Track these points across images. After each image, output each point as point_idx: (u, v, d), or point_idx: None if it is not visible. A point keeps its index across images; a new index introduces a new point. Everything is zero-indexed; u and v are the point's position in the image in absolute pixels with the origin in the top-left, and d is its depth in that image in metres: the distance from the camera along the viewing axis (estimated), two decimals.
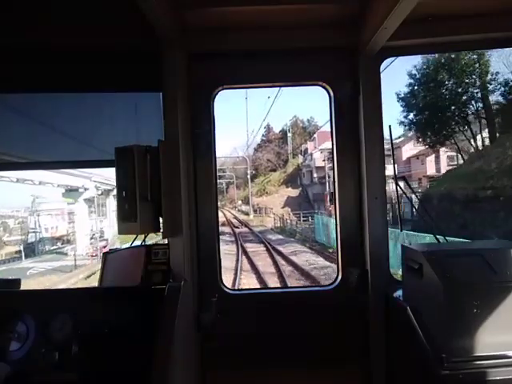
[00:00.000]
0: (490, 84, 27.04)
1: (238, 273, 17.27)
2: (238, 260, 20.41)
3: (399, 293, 2.47)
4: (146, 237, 2.85)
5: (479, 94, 27.52)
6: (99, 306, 2.23)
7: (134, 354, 2.04)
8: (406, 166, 46.09)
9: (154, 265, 2.53)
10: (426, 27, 2.46)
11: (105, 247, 29.85)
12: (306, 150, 59.37)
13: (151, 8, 1.96)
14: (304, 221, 38.39)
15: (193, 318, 2.48)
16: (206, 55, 2.64)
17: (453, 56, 26.00)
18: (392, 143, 2.83)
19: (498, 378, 1.84)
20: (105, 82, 2.73)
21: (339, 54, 2.67)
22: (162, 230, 2.28)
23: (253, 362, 2.65)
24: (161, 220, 2.27)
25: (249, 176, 53.99)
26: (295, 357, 2.67)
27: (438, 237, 2.68)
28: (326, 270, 16.96)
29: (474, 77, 27.03)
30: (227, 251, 22.17)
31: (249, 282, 16.03)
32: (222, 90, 2.73)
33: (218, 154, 2.87)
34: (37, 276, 24.84)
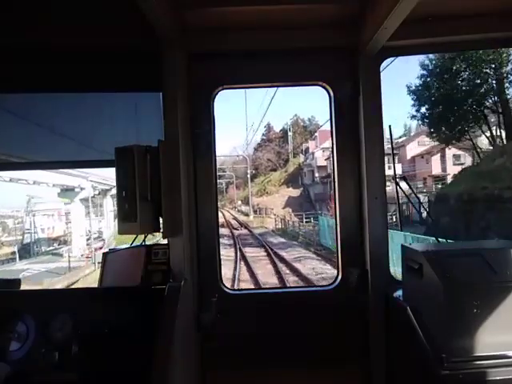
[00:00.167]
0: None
1: (234, 284, 15.58)
2: (235, 268, 18.42)
3: (399, 293, 2.47)
4: (145, 237, 2.85)
5: (499, 85, 25.35)
6: (99, 306, 2.23)
7: (133, 353, 2.04)
8: (411, 166, 45.53)
9: (154, 265, 2.53)
10: (425, 27, 2.46)
11: (101, 248, 29.32)
12: (307, 149, 58.96)
13: (151, 8, 1.96)
14: (306, 222, 36.91)
15: (193, 317, 2.48)
16: (206, 55, 2.64)
17: None
18: (392, 143, 2.83)
19: (498, 377, 1.84)
20: (105, 82, 2.73)
21: (339, 54, 2.67)
22: (161, 230, 2.28)
23: (253, 361, 2.65)
24: (161, 220, 2.27)
25: (249, 175, 53.49)
26: (295, 357, 2.67)
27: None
28: None
29: (494, 66, 24.57)
30: (224, 257, 19.51)
31: None
32: (222, 89, 2.73)
33: (217, 154, 2.87)
34: (26, 280, 24.17)
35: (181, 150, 2.36)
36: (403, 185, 2.85)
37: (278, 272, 17.31)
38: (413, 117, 29.09)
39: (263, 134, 73.18)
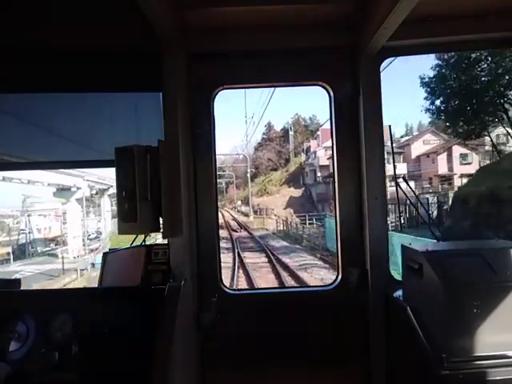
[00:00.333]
0: None
1: None
2: (233, 277, 16.31)
3: (399, 293, 2.47)
4: (146, 237, 2.85)
5: None
6: (99, 306, 2.24)
7: (134, 354, 2.04)
8: (416, 165, 44.70)
9: (154, 265, 2.53)
10: (425, 27, 2.46)
11: (96, 250, 28.76)
12: (309, 148, 58.17)
13: (151, 8, 1.96)
14: (310, 224, 34.69)
15: (193, 317, 2.48)
16: (206, 55, 2.64)
17: None
18: (392, 143, 2.83)
19: (498, 377, 1.84)
20: (105, 82, 2.73)
21: (339, 54, 2.67)
22: (161, 230, 2.28)
23: (253, 361, 2.65)
24: (161, 220, 2.27)
25: (249, 175, 52.85)
26: (295, 357, 2.67)
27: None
28: None
29: None
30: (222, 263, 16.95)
31: None
32: (222, 89, 2.74)
33: (217, 153, 2.87)
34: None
35: (181, 150, 2.36)
36: (405, 185, 2.85)
37: (281, 283, 15.52)
38: (427, 110, 26.29)
39: (264, 133, 72.96)
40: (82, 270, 24.64)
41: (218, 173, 3.00)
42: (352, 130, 2.67)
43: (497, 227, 16.26)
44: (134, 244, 2.86)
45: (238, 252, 22.15)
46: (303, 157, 60.82)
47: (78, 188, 29.96)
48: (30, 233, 36.45)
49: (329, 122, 2.79)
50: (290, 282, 15.64)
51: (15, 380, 2.03)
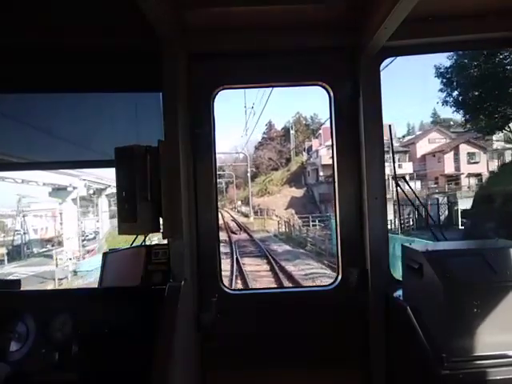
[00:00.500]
0: None
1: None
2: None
3: (399, 293, 2.47)
4: (146, 237, 2.85)
5: None
6: (99, 306, 2.24)
7: (134, 354, 2.04)
8: (421, 164, 43.75)
9: (154, 265, 2.53)
10: (426, 27, 2.47)
11: (92, 251, 28.32)
12: (311, 147, 57.14)
13: (151, 8, 1.96)
14: (313, 226, 32.97)
15: (193, 317, 2.48)
16: (206, 55, 2.64)
17: None
18: (392, 143, 2.83)
19: (498, 377, 1.84)
20: (105, 82, 2.74)
21: (339, 54, 2.67)
22: (161, 231, 2.28)
23: (253, 361, 2.65)
24: (161, 220, 2.27)
25: (249, 174, 51.98)
26: (295, 357, 2.67)
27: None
28: None
29: None
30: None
31: None
32: (222, 89, 2.74)
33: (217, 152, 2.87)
34: None
35: (181, 150, 2.36)
36: (409, 186, 2.84)
37: None
38: (444, 102, 24.07)
39: (264, 132, 72.59)
40: (61, 279, 23.22)
41: (218, 172, 3.00)
42: (352, 129, 2.67)
43: None
44: (134, 244, 2.87)
45: (237, 258, 20.30)
46: (305, 156, 59.89)
47: (74, 188, 29.19)
48: (25, 233, 35.56)
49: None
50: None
51: (15, 380, 2.03)
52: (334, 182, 2.74)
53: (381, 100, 2.63)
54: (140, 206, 2.15)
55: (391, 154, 2.84)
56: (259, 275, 16.68)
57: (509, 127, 23.93)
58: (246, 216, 47.48)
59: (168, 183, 2.25)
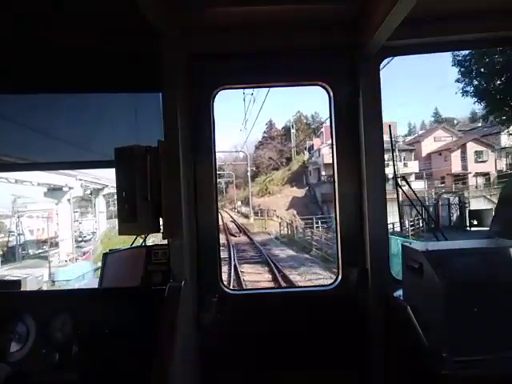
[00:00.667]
0: None
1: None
2: None
3: (399, 292, 2.47)
4: (146, 237, 2.85)
5: None
6: (99, 307, 2.23)
7: (134, 354, 2.04)
8: (427, 163, 42.70)
9: (154, 265, 2.53)
10: (426, 27, 2.47)
11: (86, 253, 27.77)
12: (312, 146, 56.02)
13: (151, 8, 1.96)
14: (317, 227, 30.96)
15: (193, 317, 2.48)
16: (206, 55, 2.64)
17: None
18: (392, 143, 2.83)
19: (498, 377, 1.84)
20: (105, 82, 2.74)
21: (339, 54, 2.67)
22: (161, 231, 2.28)
23: (253, 362, 2.64)
24: (161, 220, 2.26)
25: (249, 174, 50.90)
26: (295, 356, 2.67)
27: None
28: None
29: None
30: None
31: None
32: (222, 89, 2.74)
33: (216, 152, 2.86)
34: None
35: (181, 151, 2.36)
36: (409, 186, 2.82)
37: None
38: (464, 92, 21.94)
39: (264, 132, 72.24)
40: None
41: (217, 172, 3.00)
42: (352, 129, 2.67)
43: None
44: (133, 244, 2.87)
45: (235, 265, 18.34)
46: (306, 155, 58.80)
47: (70, 188, 28.57)
48: (20, 234, 34.45)
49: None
50: None
51: (16, 380, 2.03)
52: (334, 182, 2.74)
53: (381, 99, 2.63)
54: (140, 206, 2.15)
55: (391, 154, 2.84)
56: (260, 286, 14.57)
57: None
58: (246, 217, 46.62)
59: (168, 183, 2.25)
